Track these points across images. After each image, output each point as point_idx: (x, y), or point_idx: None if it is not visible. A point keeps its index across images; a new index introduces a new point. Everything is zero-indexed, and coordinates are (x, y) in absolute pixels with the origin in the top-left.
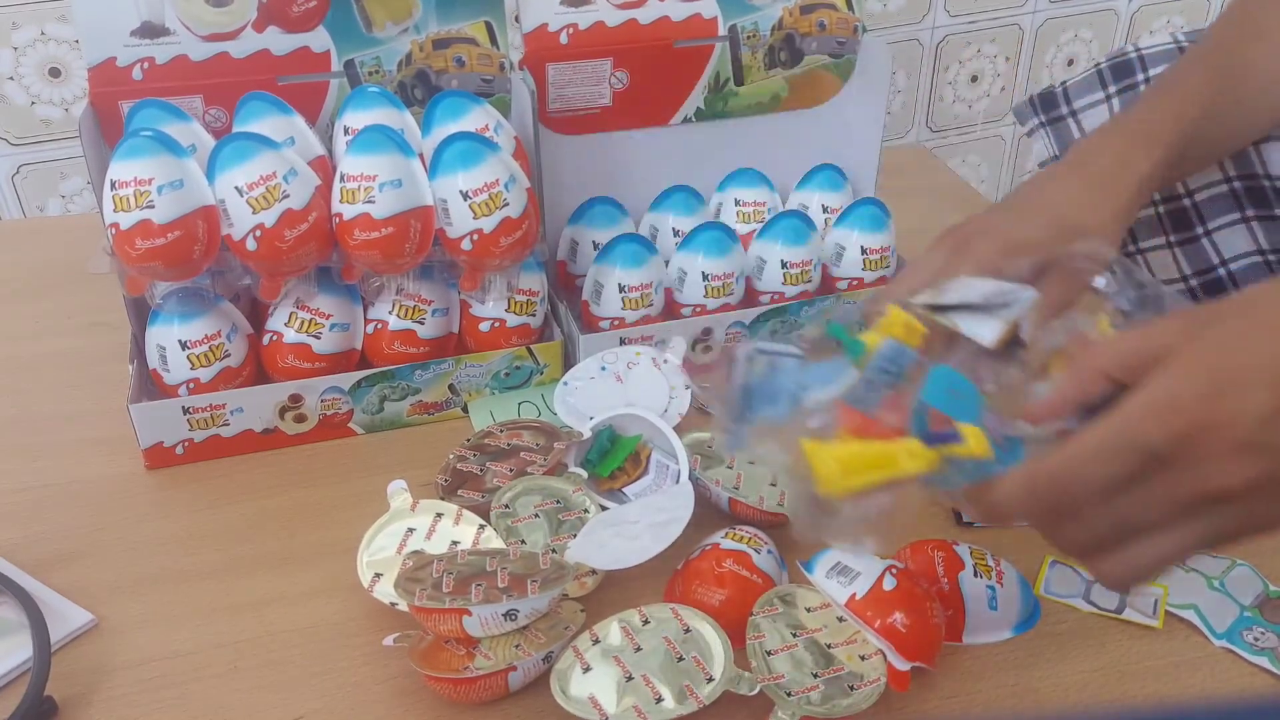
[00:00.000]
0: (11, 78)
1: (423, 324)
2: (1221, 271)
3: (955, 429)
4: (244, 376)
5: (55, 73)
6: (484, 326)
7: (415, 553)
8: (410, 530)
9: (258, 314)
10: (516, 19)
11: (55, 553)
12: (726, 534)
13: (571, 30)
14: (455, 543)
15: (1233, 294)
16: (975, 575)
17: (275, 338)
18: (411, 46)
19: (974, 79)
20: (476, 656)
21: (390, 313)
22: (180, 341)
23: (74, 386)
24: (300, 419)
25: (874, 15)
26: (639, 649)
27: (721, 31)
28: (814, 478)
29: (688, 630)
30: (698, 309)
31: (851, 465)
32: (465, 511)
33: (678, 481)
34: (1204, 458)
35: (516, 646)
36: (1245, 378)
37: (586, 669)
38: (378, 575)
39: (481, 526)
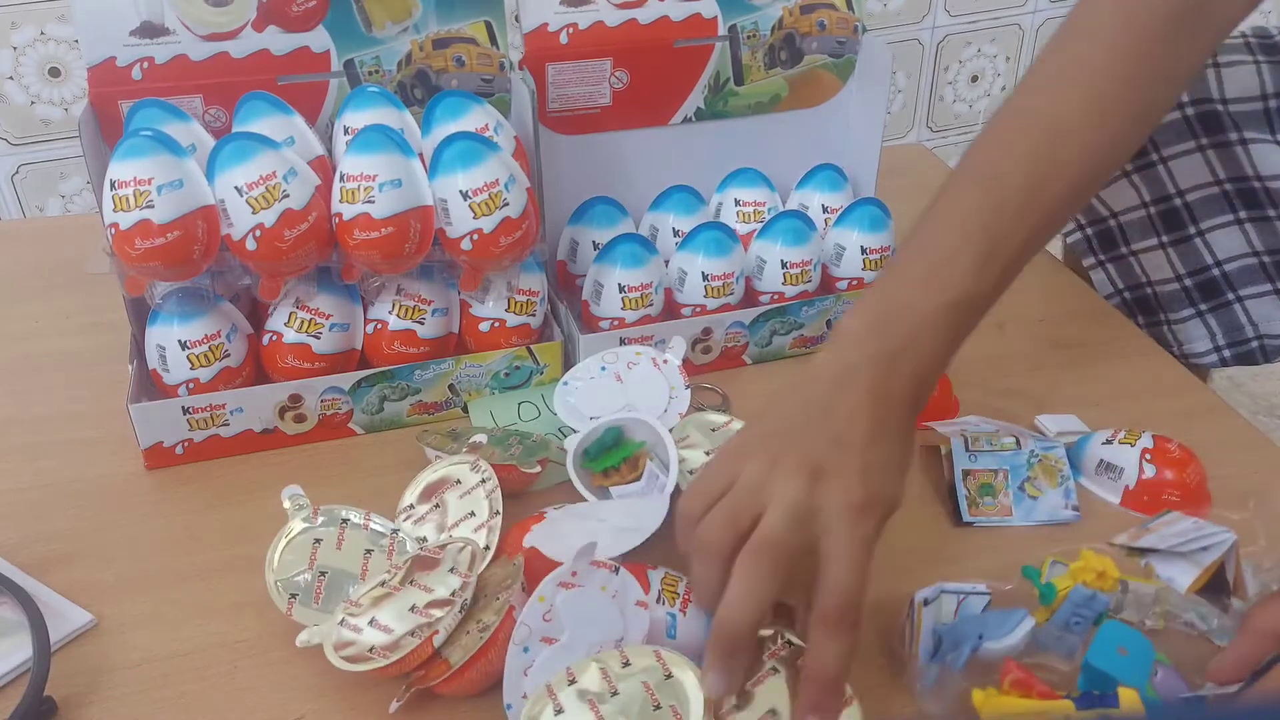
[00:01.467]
0: (11, 78)
1: (423, 324)
2: (1215, 272)
3: (1116, 692)
4: (244, 376)
5: (55, 73)
6: (484, 326)
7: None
8: (317, 541)
9: (258, 314)
10: (516, 19)
11: (55, 553)
12: (556, 506)
13: (571, 30)
14: (368, 551)
15: (1227, 293)
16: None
17: (275, 338)
18: (411, 46)
19: (974, 79)
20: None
21: (390, 313)
22: (180, 341)
23: (74, 386)
24: (300, 419)
25: (874, 15)
26: (616, 693)
27: (721, 31)
28: None
29: (669, 676)
30: (698, 309)
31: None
32: (373, 514)
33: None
34: None
35: (479, 627)
36: None
37: (559, 710)
38: (293, 596)
39: (395, 531)
